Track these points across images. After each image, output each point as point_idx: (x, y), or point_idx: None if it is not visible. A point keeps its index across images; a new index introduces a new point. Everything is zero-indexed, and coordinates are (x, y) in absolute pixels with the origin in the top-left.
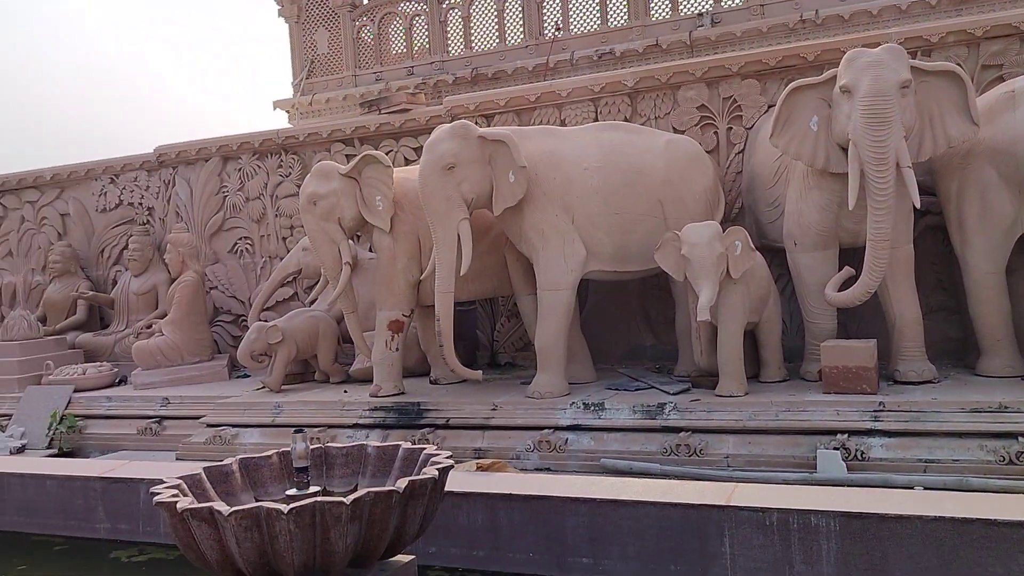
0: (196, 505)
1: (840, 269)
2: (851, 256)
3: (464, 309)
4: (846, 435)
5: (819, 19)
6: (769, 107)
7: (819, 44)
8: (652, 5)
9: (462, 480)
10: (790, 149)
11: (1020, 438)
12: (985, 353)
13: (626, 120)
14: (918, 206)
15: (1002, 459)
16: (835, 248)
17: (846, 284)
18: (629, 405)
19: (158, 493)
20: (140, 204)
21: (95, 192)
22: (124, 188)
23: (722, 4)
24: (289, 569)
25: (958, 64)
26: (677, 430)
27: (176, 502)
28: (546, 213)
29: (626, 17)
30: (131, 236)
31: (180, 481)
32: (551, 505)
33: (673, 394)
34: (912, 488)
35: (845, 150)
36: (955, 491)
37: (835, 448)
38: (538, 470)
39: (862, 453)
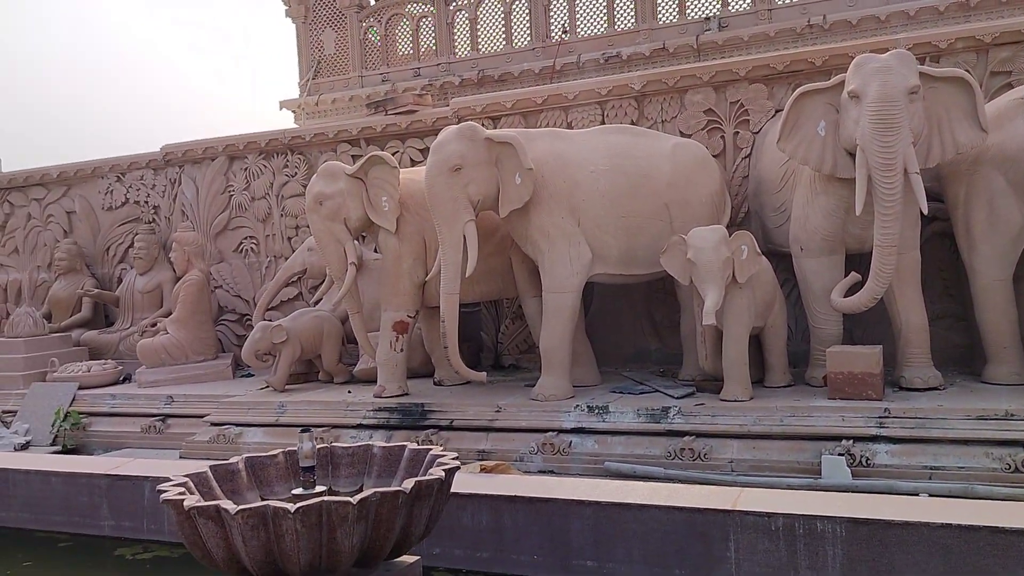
0: (203, 503)
1: (846, 274)
2: (857, 262)
3: (469, 311)
4: (851, 441)
5: (827, 24)
6: (776, 112)
7: (827, 49)
8: (659, 9)
9: (467, 482)
10: (797, 154)
11: None
12: (991, 360)
13: (633, 123)
14: (925, 212)
15: (1008, 467)
16: (841, 253)
17: (852, 290)
18: (633, 409)
19: (165, 491)
20: (146, 202)
21: (101, 190)
22: (130, 186)
23: (729, 8)
24: (295, 568)
25: (967, 70)
26: (681, 434)
27: (183, 500)
28: (552, 215)
29: (633, 20)
30: (137, 234)
31: (186, 479)
32: (556, 507)
33: (677, 398)
34: (917, 495)
35: (853, 155)
36: (960, 498)
37: (840, 454)
38: (541, 473)
39: (867, 459)
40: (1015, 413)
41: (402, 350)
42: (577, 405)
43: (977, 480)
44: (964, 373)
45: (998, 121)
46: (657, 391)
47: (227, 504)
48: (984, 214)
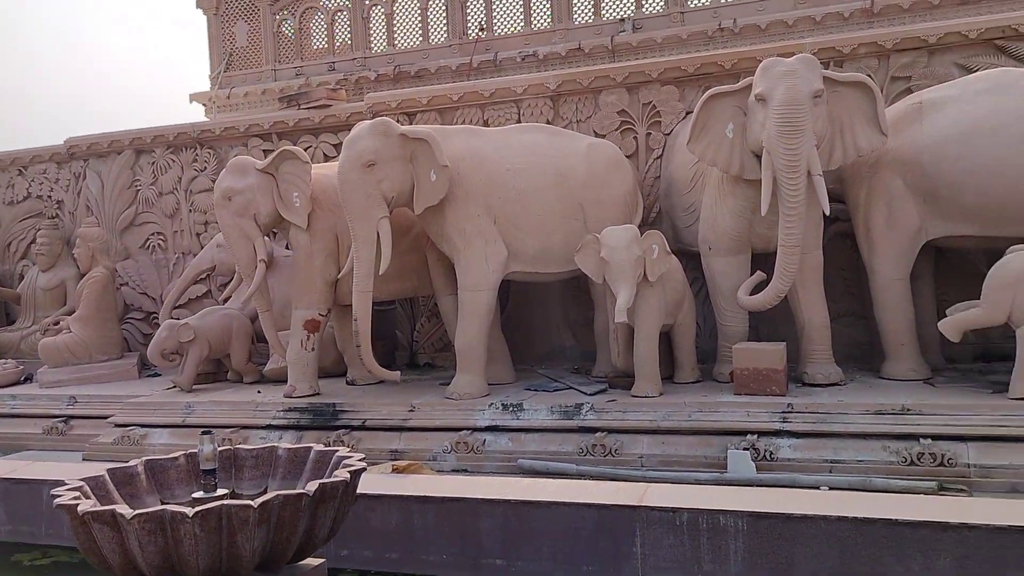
0: (98, 508)
1: (753, 273)
2: (763, 261)
3: (383, 309)
4: (756, 436)
5: (737, 28)
6: (687, 113)
7: (736, 52)
8: (575, 9)
9: (376, 482)
10: (706, 155)
11: (921, 440)
12: (889, 357)
13: (548, 122)
14: (827, 213)
15: (904, 460)
16: (748, 253)
17: (758, 288)
18: (547, 406)
19: (59, 495)
20: (49, 197)
21: (2, 184)
22: (33, 180)
23: (643, 10)
24: (194, 573)
25: (868, 75)
26: (593, 430)
27: (77, 504)
28: (468, 213)
29: (549, 20)
30: (39, 230)
31: (82, 483)
32: (466, 507)
33: (590, 395)
34: (818, 488)
35: (759, 157)
36: (859, 491)
37: (745, 448)
38: (455, 471)
39: (771, 453)
40: (911, 408)
41: (313, 349)
42: (492, 403)
43: (875, 473)
44: (864, 369)
45: (897, 125)
46: (571, 388)
47: (123, 508)
48: (883, 215)
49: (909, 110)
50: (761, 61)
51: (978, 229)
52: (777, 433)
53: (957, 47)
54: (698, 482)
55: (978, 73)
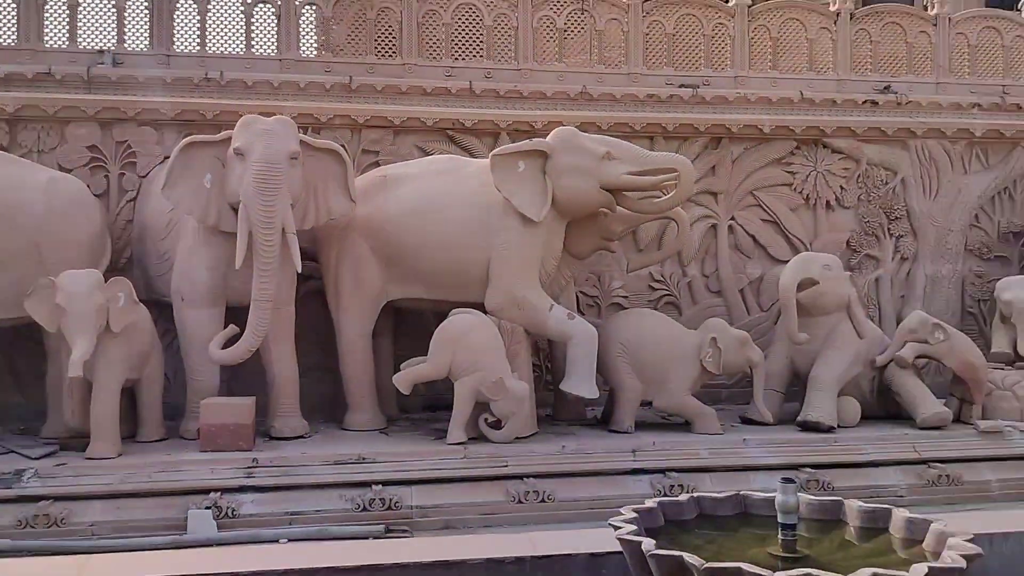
0: None
1: (227, 327)
2: (238, 314)
3: None
4: (219, 493)
5: (224, 80)
6: (165, 158)
7: (219, 104)
8: (46, 30)
9: None
10: (182, 203)
11: (374, 486)
12: (351, 408)
13: (3, 149)
14: (300, 271)
15: (358, 506)
16: (223, 306)
17: (230, 342)
18: None
19: None
20: None
21: None
22: None
23: (126, 46)
24: None
25: (342, 145)
26: (37, 499)
27: None
28: None
29: (15, 37)
30: None
31: None
32: None
33: (35, 459)
34: (278, 542)
35: (236, 210)
36: (316, 540)
37: (207, 507)
38: None
39: (233, 510)
40: (367, 457)
41: None
42: None
43: (332, 521)
44: (329, 421)
45: (366, 195)
46: (12, 452)
47: None
48: (351, 276)
49: (376, 182)
50: (242, 116)
51: (429, 293)
52: (241, 489)
53: (418, 131)
54: (154, 547)
55: (434, 156)
